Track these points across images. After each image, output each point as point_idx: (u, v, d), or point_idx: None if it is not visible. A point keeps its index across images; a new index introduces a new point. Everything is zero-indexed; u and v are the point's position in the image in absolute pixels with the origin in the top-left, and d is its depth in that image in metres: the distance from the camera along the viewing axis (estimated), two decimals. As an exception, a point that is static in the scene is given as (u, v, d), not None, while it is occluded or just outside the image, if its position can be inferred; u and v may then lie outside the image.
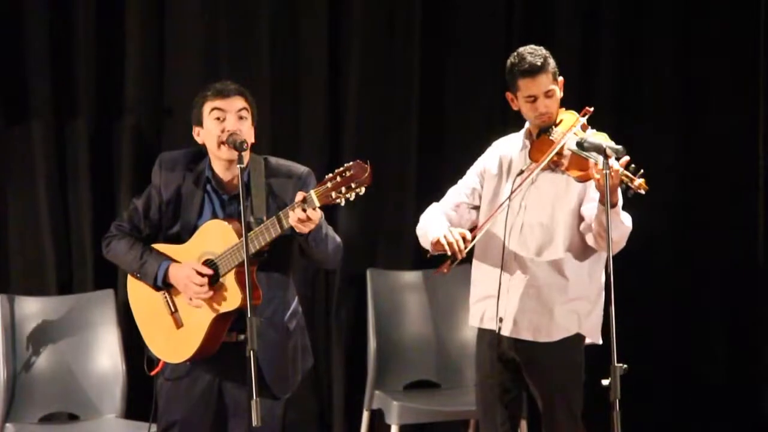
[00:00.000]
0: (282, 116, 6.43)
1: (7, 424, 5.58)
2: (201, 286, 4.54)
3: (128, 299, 4.76)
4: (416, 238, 6.53)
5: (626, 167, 4.54)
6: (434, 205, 5.04)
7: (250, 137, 4.61)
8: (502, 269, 4.86)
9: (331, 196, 4.37)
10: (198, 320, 4.57)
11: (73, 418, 5.80)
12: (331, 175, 4.39)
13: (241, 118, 4.61)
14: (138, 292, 4.71)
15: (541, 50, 4.81)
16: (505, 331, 4.86)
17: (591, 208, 4.71)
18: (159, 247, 4.68)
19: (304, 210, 4.37)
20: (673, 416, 6.76)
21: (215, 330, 4.57)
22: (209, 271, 4.55)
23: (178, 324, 4.62)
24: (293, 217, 4.39)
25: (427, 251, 4.87)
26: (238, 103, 4.62)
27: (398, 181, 6.61)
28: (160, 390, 4.73)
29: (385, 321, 6.34)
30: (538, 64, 4.76)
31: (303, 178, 4.67)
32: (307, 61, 6.50)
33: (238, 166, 4.44)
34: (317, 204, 4.38)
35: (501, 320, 4.86)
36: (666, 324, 6.75)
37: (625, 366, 4.31)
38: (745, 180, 6.76)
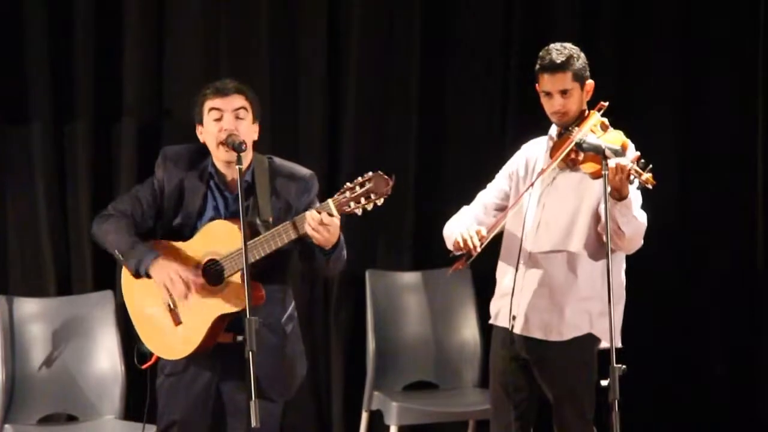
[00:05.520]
0: (281, 116, 6.42)
1: (6, 426, 5.58)
2: (186, 284, 4.52)
3: (122, 291, 4.71)
4: (415, 238, 6.59)
5: (636, 162, 4.54)
6: (464, 208, 5.04)
7: (249, 136, 4.59)
8: (517, 267, 4.87)
9: (349, 206, 4.38)
10: (199, 319, 4.56)
11: (72, 419, 5.80)
12: (350, 184, 4.39)
13: (238, 117, 4.59)
14: (134, 286, 4.66)
15: (569, 49, 4.80)
16: (518, 329, 4.87)
17: None
18: (160, 243, 4.65)
19: (319, 213, 4.38)
20: (673, 416, 6.76)
21: (215, 329, 4.57)
22: (200, 280, 4.55)
23: (176, 321, 4.60)
24: (311, 224, 4.39)
25: (451, 251, 4.87)
26: (236, 101, 4.60)
27: (397, 182, 6.58)
28: (159, 389, 4.72)
29: (384, 322, 6.34)
30: (558, 62, 4.76)
31: (307, 182, 4.67)
32: (307, 61, 6.50)
33: (237, 167, 4.44)
34: (335, 213, 4.39)
35: (514, 318, 4.87)
36: (666, 324, 6.75)
37: (624, 367, 4.32)
38: (745, 181, 6.76)
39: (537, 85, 4.84)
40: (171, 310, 4.61)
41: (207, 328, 4.55)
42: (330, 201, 4.40)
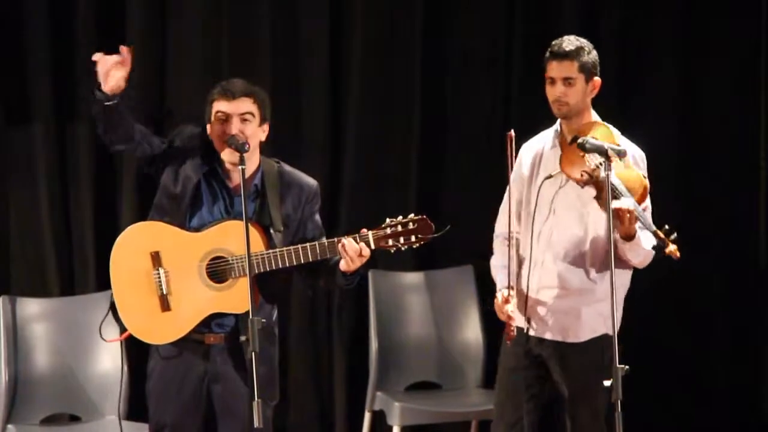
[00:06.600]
0: (282, 117, 6.41)
1: (9, 426, 5.57)
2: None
3: (109, 267, 4.63)
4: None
5: (660, 227, 4.55)
6: (496, 234, 5.02)
7: (255, 138, 4.60)
8: (530, 271, 4.87)
9: (387, 242, 4.47)
10: (192, 309, 4.56)
11: (74, 419, 5.80)
12: (391, 221, 4.48)
13: (244, 120, 4.59)
14: (125, 263, 4.61)
15: (581, 42, 4.80)
16: (533, 332, 4.87)
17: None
18: (165, 226, 4.61)
19: (357, 243, 4.45)
20: (673, 416, 6.76)
21: (203, 321, 4.59)
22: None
23: (165, 307, 4.57)
24: (348, 251, 4.44)
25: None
26: (242, 105, 4.60)
27: (399, 182, 6.61)
28: (151, 392, 4.71)
29: (386, 322, 6.34)
30: (566, 49, 4.76)
31: (315, 192, 4.71)
32: (308, 62, 6.50)
33: (240, 167, 4.44)
34: (373, 246, 4.46)
35: (529, 320, 4.87)
36: (666, 325, 6.75)
37: (627, 367, 4.32)
38: (747, 180, 6.77)
39: (545, 73, 4.85)
40: (162, 295, 4.58)
41: (198, 322, 4.56)
42: (370, 233, 4.48)
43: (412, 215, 4.50)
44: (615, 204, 4.51)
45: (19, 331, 5.71)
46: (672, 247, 4.54)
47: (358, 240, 4.47)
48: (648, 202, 4.78)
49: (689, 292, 6.78)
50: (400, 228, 4.47)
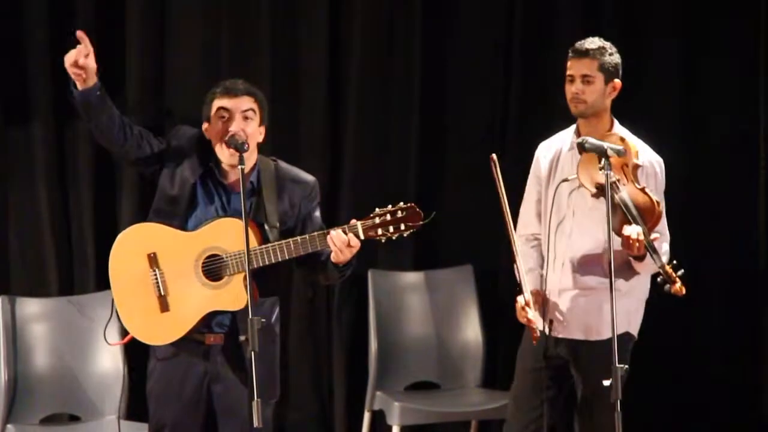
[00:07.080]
0: (282, 116, 6.43)
1: (8, 426, 5.58)
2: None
3: (109, 269, 4.63)
4: (417, 238, 6.56)
5: (669, 262, 4.60)
6: (519, 235, 5.00)
7: (254, 137, 4.61)
8: (550, 271, 4.88)
9: (377, 232, 4.46)
10: (190, 309, 4.56)
11: (74, 419, 5.80)
12: (380, 210, 4.47)
13: (246, 118, 4.61)
14: (124, 266, 4.61)
15: (605, 44, 4.84)
16: (555, 332, 4.87)
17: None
18: (161, 227, 4.61)
19: (346, 234, 4.45)
20: (673, 416, 6.76)
21: (202, 321, 4.59)
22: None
23: (164, 308, 4.57)
24: (336, 242, 4.44)
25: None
26: (245, 103, 4.62)
27: (399, 182, 6.61)
28: (150, 393, 4.71)
29: (386, 322, 6.35)
30: (587, 47, 4.81)
31: (312, 187, 4.71)
32: (308, 62, 6.51)
33: (239, 167, 4.45)
34: (362, 236, 4.46)
35: (551, 322, 4.86)
36: (666, 324, 6.75)
37: (627, 367, 4.32)
38: (746, 181, 6.77)
39: (566, 71, 4.86)
40: (160, 296, 4.58)
41: (197, 321, 4.56)
42: (359, 224, 4.47)
43: (401, 203, 4.50)
44: (625, 231, 4.57)
45: (18, 331, 5.71)
46: (677, 285, 4.58)
47: (347, 231, 4.47)
48: (663, 227, 4.79)
49: (689, 292, 6.76)
50: (388, 217, 4.46)
